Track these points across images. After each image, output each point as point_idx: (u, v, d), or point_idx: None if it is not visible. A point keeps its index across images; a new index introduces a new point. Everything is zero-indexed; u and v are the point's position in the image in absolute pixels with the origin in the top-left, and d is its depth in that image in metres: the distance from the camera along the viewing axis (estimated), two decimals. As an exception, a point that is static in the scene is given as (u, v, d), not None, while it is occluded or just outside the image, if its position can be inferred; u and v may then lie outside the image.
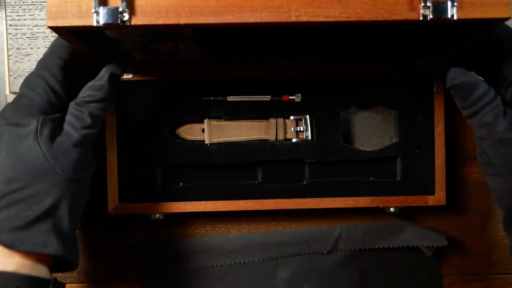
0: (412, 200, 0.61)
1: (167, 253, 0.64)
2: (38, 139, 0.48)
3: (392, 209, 0.61)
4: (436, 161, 0.61)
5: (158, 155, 0.61)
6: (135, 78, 0.61)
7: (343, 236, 0.63)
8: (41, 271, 0.49)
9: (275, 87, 0.61)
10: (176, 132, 0.62)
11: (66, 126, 0.50)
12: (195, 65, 0.60)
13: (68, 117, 0.50)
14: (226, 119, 0.62)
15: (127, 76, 0.61)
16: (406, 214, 0.63)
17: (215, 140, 0.61)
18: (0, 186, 0.47)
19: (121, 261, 0.65)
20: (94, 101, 0.51)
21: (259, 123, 0.62)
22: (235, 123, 0.62)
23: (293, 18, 0.43)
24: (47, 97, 0.51)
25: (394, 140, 0.62)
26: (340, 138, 0.61)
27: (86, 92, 0.51)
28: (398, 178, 0.62)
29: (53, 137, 0.48)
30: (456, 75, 0.50)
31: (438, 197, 0.61)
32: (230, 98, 0.62)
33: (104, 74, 0.51)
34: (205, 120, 0.61)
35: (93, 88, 0.51)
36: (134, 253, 0.64)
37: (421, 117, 0.61)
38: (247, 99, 0.61)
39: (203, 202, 0.61)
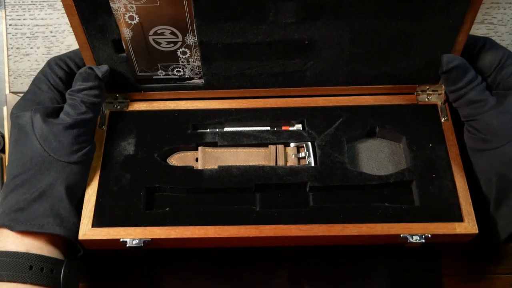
0: (437, 228, 0.52)
1: (167, 253, 0.59)
2: (32, 126, 0.51)
3: (415, 238, 0.51)
4: (458, 186, 0.54)
5: (145, 178, 0.55)
6: (131, 109, 0.59)
7: None
8: (53, 252, 0.50)
9: (275, 116, 0.59)
10: (167, 160, 0.57)
11: (61, 114, 0.53)
12: (193, 92, 0.59)
13: (65, 106, 0.53)
14: (222, 146, 0.57)
15: (122, 106, 0.59)
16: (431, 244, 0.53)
17: (209, 167, 0.56)
18: (8, 174, 0.51)
19: (121, 261, 0.61)
20: (84, 89, 0.53)
21: (257, 150, 0.57)
22: (232, 150, 0.57)
23: None
24: (49, 93, 0.54)
25: (406, 165, 0.56)
26: (346, 162, 0.55)
27: (78, 81, 0.53)
28: (417, 204, 0.53)
29: (46, 123, 0.51)
30: (452, 58, 0.52)
31: (468, 224, 0.52)
32: (227, 129, 0.58)
33: (91, 70, 0.54)
34: (200, 148, 0.57)
35: (84, 77, 0.53)
36: (134, 253, 0.58)
37: (432, 142, 0.56)
38: (244, 129, 0.58)
39: (191, 227, 0.52)
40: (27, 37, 0.64)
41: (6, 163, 0.61)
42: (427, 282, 0.61)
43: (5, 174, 0.62)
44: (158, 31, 0.52)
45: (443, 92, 0.59)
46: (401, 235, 0.51)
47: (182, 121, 0.58)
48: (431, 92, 0.59)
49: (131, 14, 0.50)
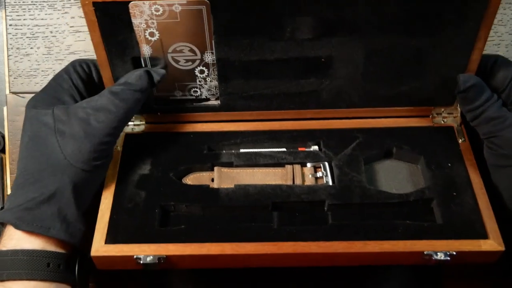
0: (461, 245, 0.50)
1: None
2: (55, 126, 0.50)
3: (440, 255, 0.49)
4: (480, 204, 0.52)
5: (160, 196, 0.54)
6: (146, 131, 0.59)
7: None
8: (66, 250, 0.50)
9: (291, 138, 0.59)
10: (183, 180, 0.56)
11: (91, 118, 0.50)
12: (209, 115, 0.59)
13: (93, 104, 0.51)
14: (238, 166, 0.57)
15: (138, 129, 0.59)
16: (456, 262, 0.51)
17: (225, 187, 0.55)
18: (20, 168, 0.51)
19: None
20: (128, 89, 0.52)
21: (274, 170, 0.56)
22: (248, 170, 0.56)
23: None
24: (70, 91, 0.54)
25: (426, 184, 0.55)
26: (364, 181, 0.54)
27: (123, 79, 0.53)
28: (439, 222, 0.52)
29: (68, 127, 0.50)
30: (468, 78, 0.53)
31: (493, 241, 0.50)
32: (243, 150, 0.58)
33: (142, 69, 0.53)
34: (215, 168, 0.56)
35: (130, 76, 0.52)
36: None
37: (450, 162, 0.56)
38: (260, 150, 0.58)
39: (206, 244, 0.50)
40: (27, 37, 0.64)
41: (7, 163, 0.62)
42: (427, 284, 0.61)
43: (5, 174, 0.62)
44: (177, 48, 0.53)
45: (459, 114, 0.59)
46: (425, 252, 0.49)
47: (198, 143, 0.58)
48: (446, 115, 0.59)
49: (151, 30, 0.51)
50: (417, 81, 0.56)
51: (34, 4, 0.63)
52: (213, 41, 0.52)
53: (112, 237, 0.51)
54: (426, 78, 0.56)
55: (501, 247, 0.50)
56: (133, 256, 0.49)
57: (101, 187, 0.54)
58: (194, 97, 0.58)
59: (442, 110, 0.59)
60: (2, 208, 0.64)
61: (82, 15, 0.50)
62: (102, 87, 0.55)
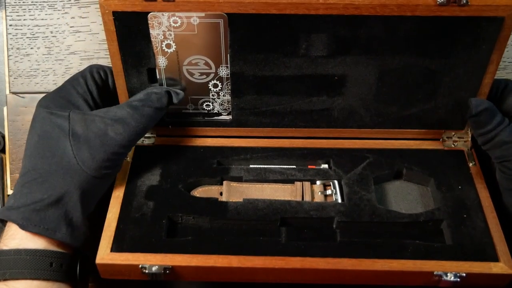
0: (471, 266, 0.49)
1: None
2: (69, 129, 0.50)
3: (450, 276, 0.48)
4: (490, 226, 0.52)
5: (168, 207, 0.53)
6: (157, 143, 0.59)
7: None
8: (68, 250, 0.50)
9: (301, 156, 0.59)
10: (191, 193, 0.56)
11: (108, 128, 0.51)
12: (220, 130, 0.59)
13: (112, 115, 0.51)
14: (247, 181, 0.56)
15: (148, 142, 0.59)
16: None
17: (234, 200, 0.55)
18: (27, 165, 0.51)
19: None
20: (149, 106, 0.53)
21: (283, 186, 0.56)
22: (257, 185, 0.56)
23: None
24: (84, 96, 0.54)
25: (436, 205, 0.54)
26: (374, 200, 0.54)
27: (144, 95, 0.53)
28: (449, 243, 0.51)
29: (84, 133, 0.50)
30: (480, 102, 0.53)
31: (504, 264, 0.49)
32: (253, 166, 0.58)
33: (163, 88, 0.55)
34: (224, 182, 0.56)
35: (151, 93, 0.53)
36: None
37: (461, 184, 0.55)
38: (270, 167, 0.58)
39: (213, 256, 0.49)
40: (27, 37, 0.64)
41: (7, 163, 0.61)
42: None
43: (5, 174, 0.62)
44: (193, 61, 0.53)
45: (469, 139, 0.59)
46: (434, 273, 0.49)
47: (208, 157, 0.58)
48: (457, 139, 0.59)
49: (168, 42, 0.52)
50: (429, 103, 0.57)
51: (34, 4, 0.63)
52: (228, 55, 0.53)
53: (118, 246, 0.50)
54: (437, 100, 0.56)
55: (511, 271, 0.49)
56: (139, 265, 0.49)
57: (105, 194, 0.54)
58: (206, 111, 0.58)
59: (453, 134, 0.59)
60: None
61: (82, 15, 0.50)
62: (116, 95, 0.56)
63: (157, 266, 0.49)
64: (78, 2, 0.63)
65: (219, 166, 0.58)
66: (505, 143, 0.52)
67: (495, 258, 0.50)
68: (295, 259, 0.49)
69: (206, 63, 0.54)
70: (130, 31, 0.51)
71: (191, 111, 0.58)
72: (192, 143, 0.60)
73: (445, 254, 0.50)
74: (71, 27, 0.64)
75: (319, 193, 0.56)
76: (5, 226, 0.50)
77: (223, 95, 0.56)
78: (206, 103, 0.57)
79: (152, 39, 0.52)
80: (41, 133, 0.51)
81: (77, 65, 0.64)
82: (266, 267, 0.49)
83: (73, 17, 0.63)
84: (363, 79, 0.55)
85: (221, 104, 0.57)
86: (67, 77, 0.58)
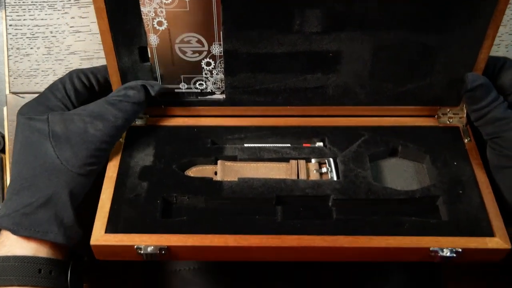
0: (467, 242, 0.49)
1: None
2: (49, 132, 0.50)
3: (446, 252, 0.48)
4: (486, 202, 0.52)
5: (162, 187, 0.53)
6: (150, 123, 0.58)
7: None
8: (58, 255, 0.50)
9: (296, 134, 0.58)
10: (185, 173, 0.55)
11: (88, 125, 0.51)
12: (213, 109, 0.58)
13: (90, 111, 0.52)
14: (242, 160, 0.56)
15: (141, 122, 0.59)
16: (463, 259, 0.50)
17: (229, 179, 0.54)
18: (14, 173, 0.51)
19: (121, 261, 0.53)
20: (126, 101, 0.53)
21: (278, 165, 0.56)
22: (252, 164, 0.56)
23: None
24: (63, 101, 0.54)
25: (431, 182, 0.54)
26: (369, 177, 0.54)
27: (121, 92, 0.54)
28: (445, 219, 0.51)
29: (64, 133, 0.50)
30: (477, 77, 0.53)
31: (499, 239, 0.49)
32: (247, 145, 0.58)
33: (138, 82, 0.55)
34: (219, 161, 0.56)
35: (128, 88, 0.54)
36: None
37: (456, 161, 0.55)
38: (264, 145, 0.57)
39: (209, 236, 0.49)
40: (27, 37, 0.64)
41: (6, 163, 0.61)
42: (427, 283, 0.60)
43: (5, 174, 0.61)
44: (185, 39, 0.52)
45: (464, 115, 0.59)
46: (431, 249, 0.49)
47: (202, 136, 0.58)
48: (452, 115, 0.59)
49: (160, 19, 0.51)
50: (424, 79, 0.56)
51: (34, 4, 0.63)
52: (221, 32, 0.52)
53: (112, 227, 0.50)
54: (433, 76, 0.56)
55: (507, 245, 0.49)
56: (134, 246, 0.48)
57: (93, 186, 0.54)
58: (199, 90, 0.57)
59: (448, 110, 0.59)
60: None
61: (82, 15, 0.50)
62: (104, 96, 0.55)
63: (152, 247, 0.48)
64: (78, 2, 0.62)
65: (213, 145, 0.57)
66: (497, 119, 0.52)
67: (491, 233, 0.50)
68: (291, 238, 0.49)
69: (199, 41, 0.53)
70: (120, 8, 0.50)
71: (184, 90, 0.57)
72: (185, 123, 0.59)
73: (441, 230, 0.50)
74: (71, 27, 0.64)
75: (314, 171, 0.55)
76: None
77: (216, 74, 0.56)
78: (199, 82, 0.56)
79: (143, 17, 0.51)
80: (22, 140, 0.51)
81: (77, 65, 0.64)
82: (263, 245, 0.49)
83: (73, 17, 0.63)
84: (358, 56, 0.54)
85: (214, 83, 0.57)
86: None
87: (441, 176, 0.54)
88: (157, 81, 0.56)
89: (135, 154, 0.56)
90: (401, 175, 0.57)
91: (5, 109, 0.64)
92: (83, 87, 0.55)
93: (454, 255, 0.48)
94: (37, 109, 0.52)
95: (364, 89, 0.57)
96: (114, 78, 0.55)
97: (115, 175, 0.54)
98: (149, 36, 0.52)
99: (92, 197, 0.53)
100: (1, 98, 0.65)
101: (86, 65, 0.63)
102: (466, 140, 0.57)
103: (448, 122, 0.59)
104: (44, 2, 0.63)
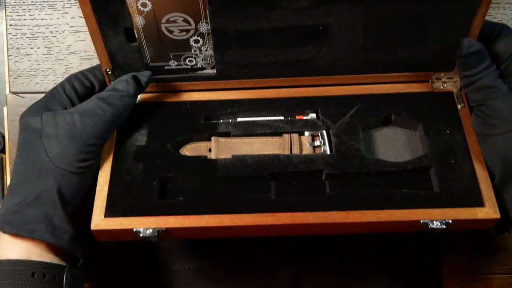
0: (457, 213, 0.50)
1: (168, 253, 0.61)
2: (41, 131, 0.51)
3: (436, 224, 0.50)
4: (477, 171, 0.53)
5: (157, 168, 0.54)
6: (142, 101, 0.58)
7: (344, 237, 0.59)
8: (53, 258, 0.49)
9: (289, 106, 0.58)
10: (180, 151, 0.56)
11: (71, 119, 0.51)
12: (205, 83, 0.58)
13: (81, 109, 0.52)
14: (235, 136, 0.56)
15: (133, 99, 0.59)
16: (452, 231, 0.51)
17: (223, 157, 0.55)
18: (12, 174, 0.51)
19: (121, 261, 0.58)
20: (116, 95, 0.53)
21: (271, 139, 0.56)
22: (245, 139, 0.56)
23: None
24: (62, 101, 0.54)
25: (424, 151, 0.55)
26: (362, 149, 0.54)
27: (110, 86, 0.54)
28: (436, 190, 0.52)
29: (54, 131, 0.50)
30: (473, 43, 0.51)
31: (489, 209, 0.50)
32: (240, 119, 0.58)
33: (128, 75, 0.55)
34: (213, 138, 0.56)
35: (118, 82, 0.54)
36: (134, 253, 0.60)
37: (449, 129, 0.55)
38: (258, 119, 0.58)
39: (205, 216, 0.50)
40: (27, 37, 0.64)
41: (6, 163, 0.62)
42: (427, 282, 0.61)
43: (5, 174, 0.62)
44: (171, 19, 0.51)
45: (459, 79, 0.58)
46: (421, 221, 0.50)
47: (195, 112, 0.58)
48: (446, 80, 0.58)
49: (143, 1, 0.50)
50: (417, 47, 0.55)
51: (34, 4, 0.63)
52: (207, 11, 0.51)
53: (111, 211, 0.51)
54: (426, 44, 0.55)
55: (496, 215, 0.50)
56: (133, 229, 0.50)
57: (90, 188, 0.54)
58: (190, 67, 0.57)
59: (442, 75, 0.58)
60: None
61: (82, 15, 0.50)
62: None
63: (151, 230, 0.50)
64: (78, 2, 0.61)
65: (206, 121, 0.57)
66: (485, 87, 0.51)
67: (481, 203, 0.51)
68: (285, 215, 0.51)
69: (185, 20, 0.52)
70: (102, -10, 0.49)
71: (174, 67, 0.57)
72: (178, 99, 0.59)
73: (432, 202, 0.51)
74: (71, 27, 0.64)
75: (308, 144, 0.56)
76: None
77: (206, 50, 0.55)
78: (188, 58, 0.56)
79: (126, 0, 0.50)
80: (20, 141, 0.52)
81: (77, 65, 0.64)
82: (257, 224, 0.50)
83: (73, 17, 0.63)
84: (348, 28, 0.53)
85: (204, 59, 0.56)
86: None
87: (434, 146, 0.54)
88: (146, 60, 0.55)
89: (129, 134, 0.56)
90: (394, 144, 0.57)
91: (5, 109, 0.64)
92: (83, 88, 0.56)
93: (444, 226, 0.50)
94: (36, 111, 0.52)
95: (356, 60, 0.56)
96: (103, 60, 0.55)
97: (110, 156, 0.55)
98: (134, 17, 0.51)
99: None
100: (1, 98, 0.65)
101: (86, 65, 0.63)
102: (459, 106, 0.57)
103: (442, 87, 0.58)
104: (44, 2, 0.63)
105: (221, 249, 0.59)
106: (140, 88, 0.55)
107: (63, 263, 0.50)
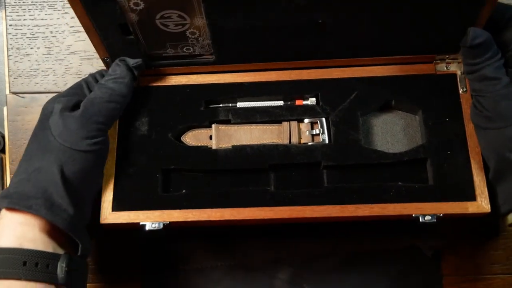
0: (449, 207, 0.52)
1: (167, 253, 0.61)
2: (51, 114, 0.51)
3: (427, 218, 0.52)
4: (472, 163, 0.53)
5: (160, 160, 0.55)
6: (141, 85, 0.58)
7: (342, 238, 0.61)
8: (47, 246, 0.47)
9: (288, 90, 0.58)
10: (181, 138, 0.57)
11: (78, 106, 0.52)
12: (204, 67, 0.57)
13: (88, 97, 0.52)
14: (235, 123, 0.57)
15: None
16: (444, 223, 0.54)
17: (223, 146, 0.56)
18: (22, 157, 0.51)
19: (121, 261, 0.60)
20: (112, 78, 0.53)
21: (271, 127, 0.57)
22: (245, 127, 0.57)
23: None
24: (82, 90, 0.54)
25: (421, 142, 0.56)
26: (360, 140, 0.55)
27: (107, 75, 0.54)
28: (431, 183, 0.54)
29: (62, 110, 0.50)
30: (479, 34, 0.49)
31: (480, 203, 0.52)
32: (240, 105, 0.58)
33: (122, 61, 0.54)
34: (213, 125, 0.57)
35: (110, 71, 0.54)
36: (134, 253, 0.61)
37: (448, 116, 0.55)
38: (258, 105, 0.58)
39: (207, 210, 0.53)
40: (27, 37, 0.64)
41: (7, 163, 0.64)
42: (427, 282, 0.61)
43: (5, 174, 0.64)
44: (165, 15, 0.50)
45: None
46: (413, 215, 0.52)
47: (194, 97, 0.58)
48: (450, 60, 0.57)
49: (135, 1, 0.48)
50: (422, 33, 0.53)
51: (34, 4, 0.63)
52: (202, 8, 0.49)
53: (118, 205, 0.54)
54: (432, 31, 0.53)
55: (487, 209, 0.52)
56: (139, 223, 0.53)
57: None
58: (188, 53, 0.56)
59: (446, 56, 0.57)
60: None
61: (75, 15, 0.49)
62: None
63: (156, 224, 0.53)
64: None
65: (206, 108, 0.58)
66: (486, 78, 0.50)
67: (473, 198, 0.52)
68: (283, 209, 0.53)
69: (180, 16, 0.50)
70: (92, -6, 0.47)
71: (171, 54, 0.56)
72: (177, 82, 0.58)
73: (425, 196, 0.53)
74: (71, 27, 0.64)
75: (307, 132, 0.56)
76: None
77: (203, 40, 0.53)
78: (186, 47, 0.55)
79: (117, 0, 0.48)
80: (34, 128, 0.52)
81: (77, 65, 0.64)
82: (256, 218, 0.53)
83: (73, 17, 0.62)
84: (350, 20, 0.51)
85: (202, 47, 0.55)
86: (67, 77, 0.62)
87: (432, 136, 0.55)
88: (143, 50, 0.54)
89: (130, 122, 0.57)
90: (392, 129, 0.58)
91: (5, 109, 0.64)
92: None
93: (435, 220, 0.52)
94: (59, 97, 0.53)
95: (358, 46, 0.55)
96: (101, 53, 0.54)
97: (114, 146, 0.56)
98: (128, 15, 0.50)
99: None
100: (1, 98, 0.65)
101: (86, 65, 0.64)
102: (461, 90, 0.56)
103: (445, 69, 0.57)
104: (44, 2, 0.63)
105: (221, 249, 0.61)
106: (132, 72, 0.54)
107: (60, 251, 0.48)
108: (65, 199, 0.48)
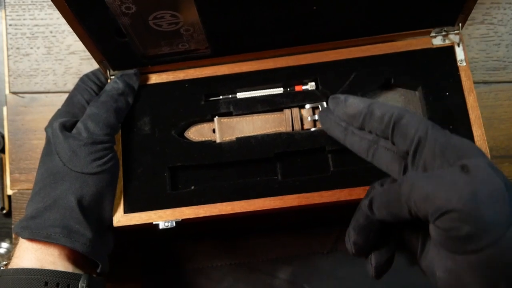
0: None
1: (167, 253, 0.62)
2: (53, 138, 0.52)
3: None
4: (475, 137, 0.54)
5: (166, 158, 0.56)
6: (140, 83, 0.58)
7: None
8: (67, 267, 0.49)
9: (287, 76, 0.57)
10: (185, 134, 0.57)
11: (79, 123, 0.52)
12: (202, 61, 0.57)
13: (85, 117, 0.53)
14: (237, 115, 0.57)
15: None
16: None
17: (227, 139, 0.56)
18: (34, 184, 0.52)
19: (121, 261, 0.61)
20: (108, 94, 0.54)
21: (273, 115, 0.57)
22: (247, 118, 0.57)
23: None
24: (81, 105, 0.55)
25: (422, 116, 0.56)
26: (362, 121, 0.55)
27: (103, 95, 0.54)
28: (434, 159, 0.54)
29: (63, 134, 0.51)
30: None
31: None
32: (240, 95, 0.58)
33: (120, 77, 0.55)
34: (215, 119, 0.57)
35: (107, 87, 0.55)
36: (134, 253, 0.62)
37: (448, 90, 0.55)
38: (257, 94, 0.58)
39: (218, 205, 0.54)
40: (27, 37, 0.63)
41: (6, 163, 0.64)
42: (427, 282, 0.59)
43: (4, 174, 0.64)
44: (158, 16, 0.49)
45: (460, 30, 0.56)
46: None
47: (194, 92, 0.58)
48: (446, 33, 0.56)
49: (127, 5, 0.47)
50: (417, 6, 0.53)
51: (34, 4, 0.63)
52: (195, 8, 0.48)
53: (129, 207, 0.54)
54: (426, 5, 0.52)
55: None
56: (152, 222, 0.54)
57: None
58: (183, 50, 0.55)
59: (444, 29, 0.56)
60: (2, 208, 0.66)
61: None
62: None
63: (168, 223, 0.54)
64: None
65: (206, 102, 0.58)
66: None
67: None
68: (291, 197, 0.54)
69: (173, 15, 0.49)
70: (81, 1, 0.46)
71: (167, 52, 0.55)
72: (176, 78, 0.58)
73: (430, 172, 0.54)
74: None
75: (309, 118, 0.57)
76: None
77: (197, 36, 0.53)
78: (181, 44, 0.54)
79: (108, 6, 0.47)
80: (42, 153, 0.53)
81: (77, 65, 0.64)
82: (266, 208, 0.54)
83: None
84: (343, 4, 0.50)
85: (197, 42, 0.54)
86: (67, 77, 0.63)
87: (432, 111, 0.55)
88: (139, 50, 0.54)
89: (133, 122, 0.57)
90: (394, 107, 0.58)
91: (5, 109, 0.64)
92: (98, 88, 0.56)
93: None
94: (57, 118, 0.53)
95: (353, 25, 0.54)
96: (97, 58, 0.54)
97: (119, 148, 0.56)
98: (121, 19, 0.49)
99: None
100: (1, 98, 0.65)
101: (86, 65, 0.64)
102: (459, 62, 0.56)
103: (442, 42, 0.57)
104: (44, 2, 0.63)
105: (221, 249, 0.62)
106: (129, 86, 0.55)
107: (79, 271, 0.50)
108: (83, 224, 0.50)
